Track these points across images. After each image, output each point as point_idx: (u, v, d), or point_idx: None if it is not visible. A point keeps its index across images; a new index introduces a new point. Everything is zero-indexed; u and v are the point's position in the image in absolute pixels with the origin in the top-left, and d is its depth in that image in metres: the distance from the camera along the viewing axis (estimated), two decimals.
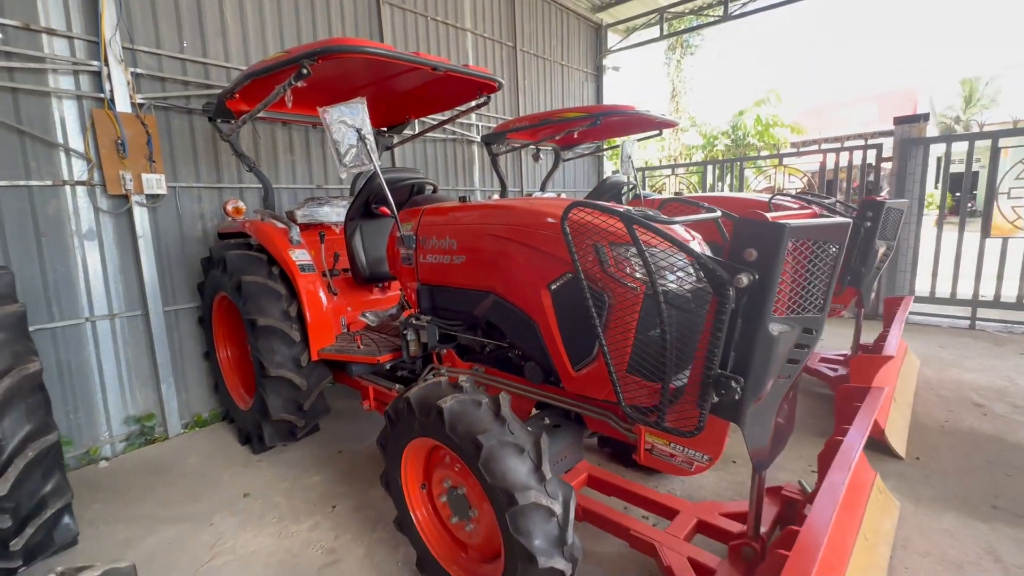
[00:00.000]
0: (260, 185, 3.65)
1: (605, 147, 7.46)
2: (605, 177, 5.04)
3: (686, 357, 1.59)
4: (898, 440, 3.03)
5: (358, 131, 2.37)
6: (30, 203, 3.14)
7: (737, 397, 1.44)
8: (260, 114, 3.16)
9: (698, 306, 1.64)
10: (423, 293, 2.59)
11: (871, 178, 6.32)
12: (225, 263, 3.14)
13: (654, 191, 8.64)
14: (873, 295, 3.95)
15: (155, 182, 3.52)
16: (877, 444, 2.94)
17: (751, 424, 1.52)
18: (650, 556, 1.99)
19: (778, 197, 3.89)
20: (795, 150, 9.65)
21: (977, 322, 5.62)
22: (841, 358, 4.02)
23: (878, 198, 3.45)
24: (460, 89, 3.35)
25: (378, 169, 2.44)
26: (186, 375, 3.90)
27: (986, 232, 5.42)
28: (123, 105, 3.39)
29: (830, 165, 6.57)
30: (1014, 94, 18.78)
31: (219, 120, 3.35)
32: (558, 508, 1.57)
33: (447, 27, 5.81)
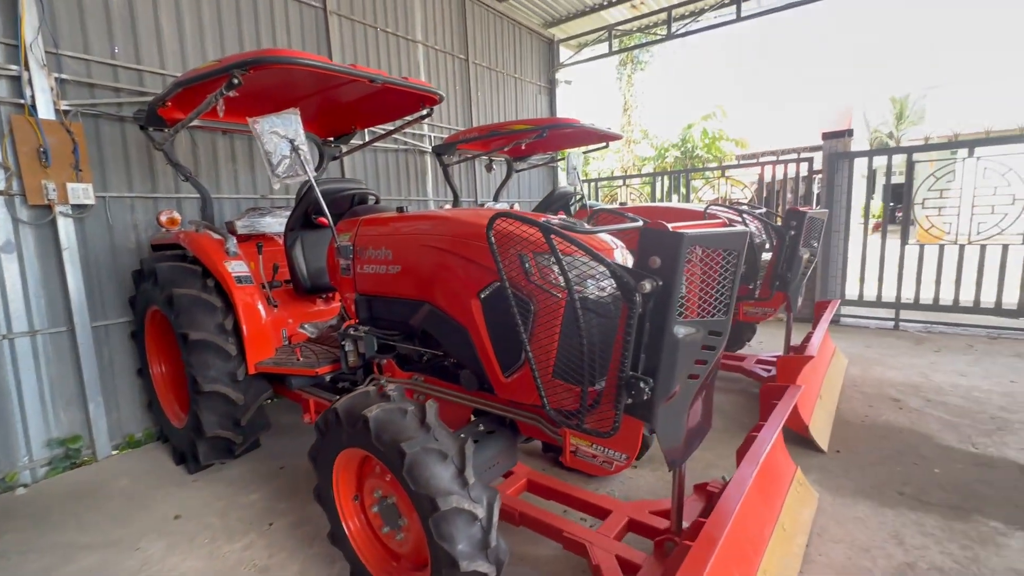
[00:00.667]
0: (199, 195, 3.56)
1: (559, 157, 7.64)
2: (553, 188, 5.15)
3: (606, 361, 1.66)
4: (821, 435, 3.22)
5: (291, 141, 2.36)
6: None
7: (647, 398, 1.52)
8: (198, 123, 3.10)
9: (615, 312, 1.72)
10: (361, 303, 2.59)
11: (806, 190, 6.71)
12: (156, 276, 3.04)
13: (607, 201, 8.89)
14: (801, 299, 4.19)
15: (82, 192, 3.37)
16: (803, 439, 3.12)
17: (663, 423, 1.60)
18: (582, 556, 2.05)
19: (712, 207, 4.10)
20: (736, 163, 10.14)
21: (900, 323, 6.04)
22: (774, 359, 4.23)
23: (801, 208, 3.68)
24: (403, 101, 3.38)
25: (313, 180, 2.43)
26: (117, 393, 3.72)
27: (905, 239, 5.86)
28: (46, 112, 3.24)
29: (768, 177, 6.96)
30: (938, 112, 20.37)
31: (151, 128, 3.25)
32: (481, 512, 1.60)
33: (398, 39, 5.83)
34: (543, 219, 1.73)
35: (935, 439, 3.19)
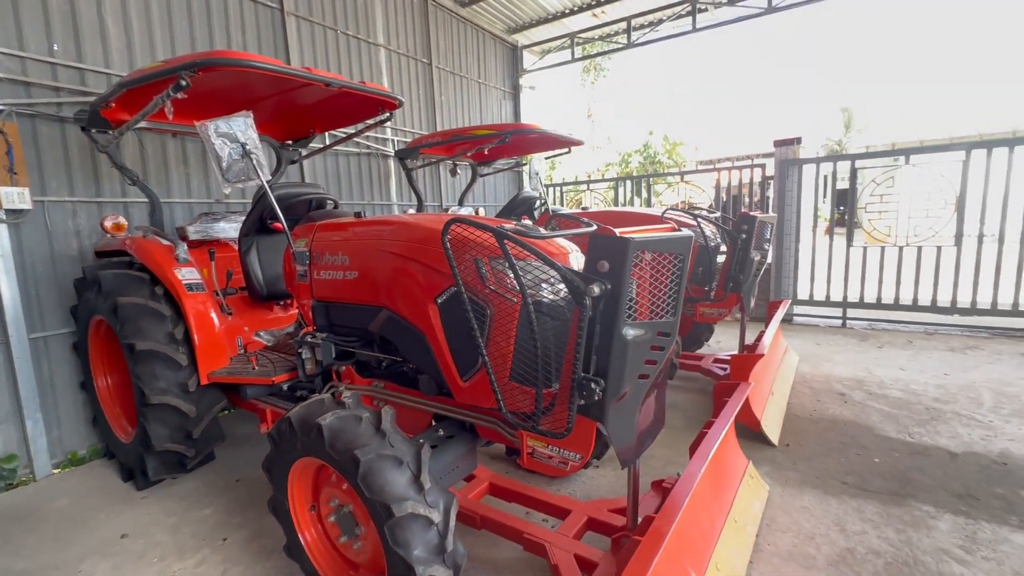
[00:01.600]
0: (147, 200, 3.42)
1: (524, 162, 7.71)
2: (517, 192, 5.20)
3: (560, 363, 1.69)
4: (773, 430, 3.36)
5: (243, 145, 2.31)
6: None
7: (598, 398, 1.56)
8: (146, 124, 2.99)
9: (568, 315, 1.76)
10: (318, 310, 2.54)
11: (760, 194, 7.00)
12: (100, 284, 2.90)
13: (571, 205, 9.02)
14: (754, 300, 4.37)
15: (16, 196, 3.19)
16: (756, 434, 3.25)
17: (614, 423, 1.64)
18: (542, 557, 2.07)
19: (669, 211, 4.23)
20: (695, 168, 10.50)
21: (848, 321, 6.36)
22: (730, 358, 4.39)
23: (752, 213, 3.84)
24: (362, 105, 3.35)
25: (265, 184, 2.38)
26: (58, 408, 3.52)
27: (850, 242, 6.19)
28: None
29: (724, 183, 7.23)
30: (878, 122, 21.60)
31: (94, 130, 3.11)
32: (437, 516, 1.60)
33: (359, 42, 5.77)
34: (498, 224, 1.76)
35: (876, 430, 3.39)
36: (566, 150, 5.68)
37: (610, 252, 1.51)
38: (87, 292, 3.14)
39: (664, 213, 4.17)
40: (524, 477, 2.96)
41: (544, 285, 1.79)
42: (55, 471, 3.45)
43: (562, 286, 1.76)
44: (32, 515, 2.89)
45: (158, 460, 2.92)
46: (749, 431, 3.26)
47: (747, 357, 3.27)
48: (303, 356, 2.55)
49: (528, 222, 4.85)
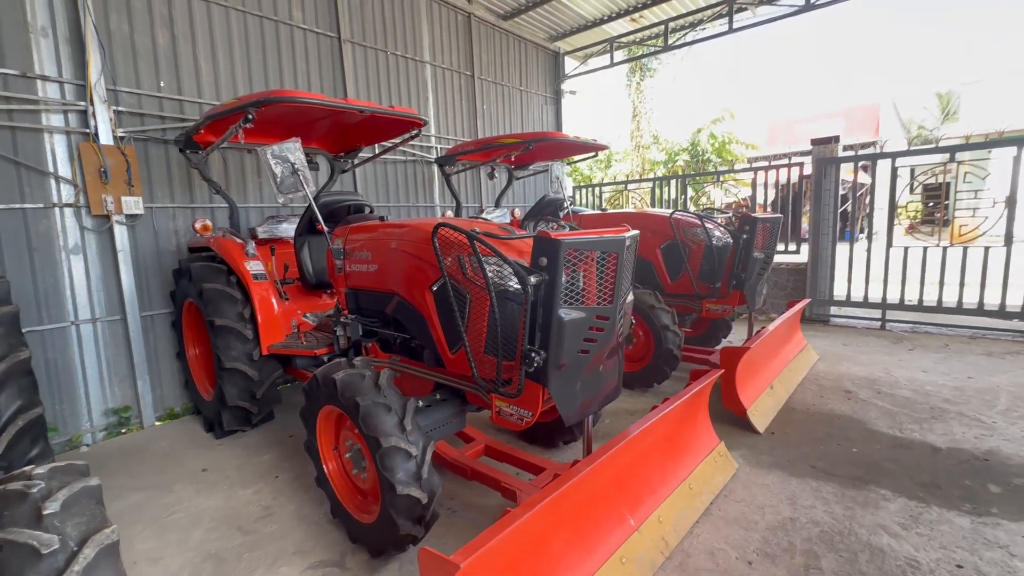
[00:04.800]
0: (227, 205, 4.21)
1: (568, 163, 8.09)
2: (544, 195, 5.62)
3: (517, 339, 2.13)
4: (762, 419, 3.57)
5: (292, 165, 2.93)
6: (24, 223, 3.68)
7: (539, 366, 1.99)
8: (227, 144, 3.72)
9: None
10: (350, 296, 3.13)
11: (797, 192, 6.93)
12: (191, 273, 3.68)
13: (610, 205, 9.27)
14: (764, 297, 4.51)
15: (133, 204, 4.06)
16: (743, 422, 3.48)
17: (556, 387, 2.06)
18: (513, 501, 2.52)
19: (678, 213, 4.47)
20: (731, 168, 10.32)
21: (887, 323, 6.19)
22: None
23: (754, 214, 4.03)
24: (395, 124, 3.93)
25: (310, 196, 3.00)
26: (160, 373, 4.41)
27: (889, 242, 6.02)
28: (106, 138, 3.95)
29: (763, 180, 7.20)
30: (972, 109, 19.53)
31: (188, 151, 3.91)
32: (416, 451, 2.10)
33: (407, 60, 6.43)
34: (471, 228, 2.22)
35: (867, 425, 3.50)
36: (593, 154, 6.01)
37: (547, 251, 1.93)
38: (182, 280, 3.95)
39: (673, 215, 4.43)
40: (522, 445, 3.40)
41: (511, 277, 2.23)
42: (157, 423, 4.33)
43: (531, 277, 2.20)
44: (141, 452, 3.73)
45: (231, 414, 3.67)
46: (738, 419, 3.50)
47: (735, 349, 3.50)
48: (337, 334, 3.15)
49: (552, 223, 5.27)
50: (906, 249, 5.91)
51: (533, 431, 3.47)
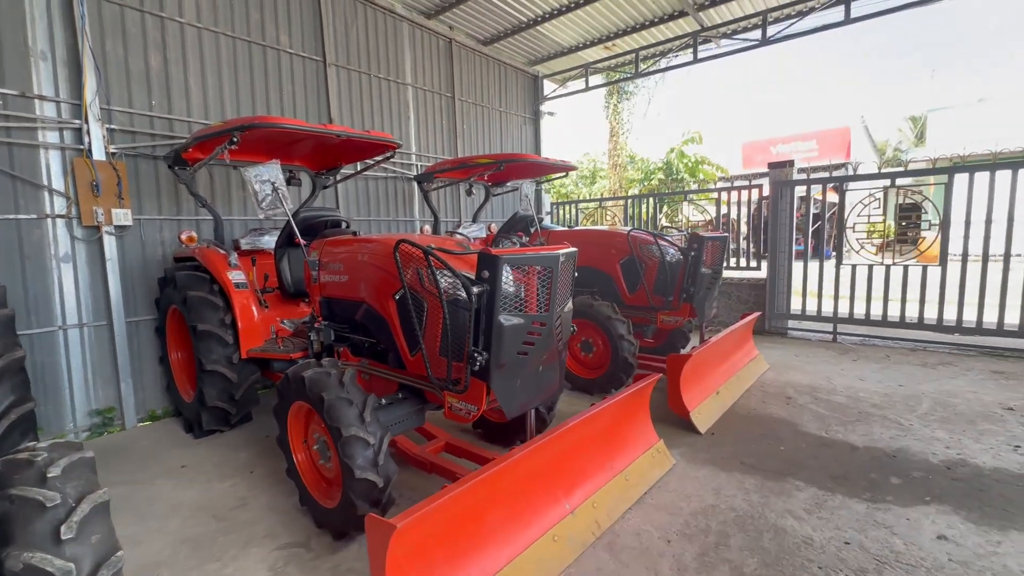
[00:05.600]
0: (212, 218, 4.48)
1: (540, 182, 8.47)
2: (516, 212, 5.96)
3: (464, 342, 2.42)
4: (704, 421, 3.88)
5: (272, 184, 3.23)
6: (18, 232, 3.91)
7: (481, 366, 2.28)
8: (214, 161, 4.01)
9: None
10: (324, 304, 3.41)
11: (757, 213, 7.37)
12: (176, 281, 3.93)
13: (587, 221, 9.66)
14: (715, 311, 4.87)
15: (123, 216, 4.31)
16: (686, 424, 3.79)
17: (497, 384, 2.35)
18: None
19: (634, 231, 4.83)
20: (696, 188, 10.82)
21: (839, 336, 6.60)
22: None
23: (701, 233, 4.40)
24: (371, 146, 4.25)
25: (289, 212, 3.29)
26: (143, 376, 4.62)
27: (840, 260, 6.45)
28: (99, 154, 4.21)
29: (735, 199, 7.64)
30: (939, 134, 20.46)
31: (176, 167, 4.18)
32: (373, 440, 2.37)
33: (389, 83, 6.79)
34: (427, 244, 2.52)
35: (799, 427, 3.83)
36: (563, 174, 6.38)
37: (488, 265, 2.25)
38: (167, 288, 4.19)
39: (630, 232, 4.79)
40: (484, 445, 3.67)
41: (460, 287, 2.53)
42: (139, 424, 4.53)
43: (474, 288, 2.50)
44: (124, 450, 3.93)
45: (210, 414, 3.89)
46: (682, 421, 3.82)
47: (679, 356, 3.82)
48: (312, 339, 3.42)
49: (521, 238, 5.59)
50: (854, 267, 6.35)
51: (491, 432, 3.76)
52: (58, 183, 4.08)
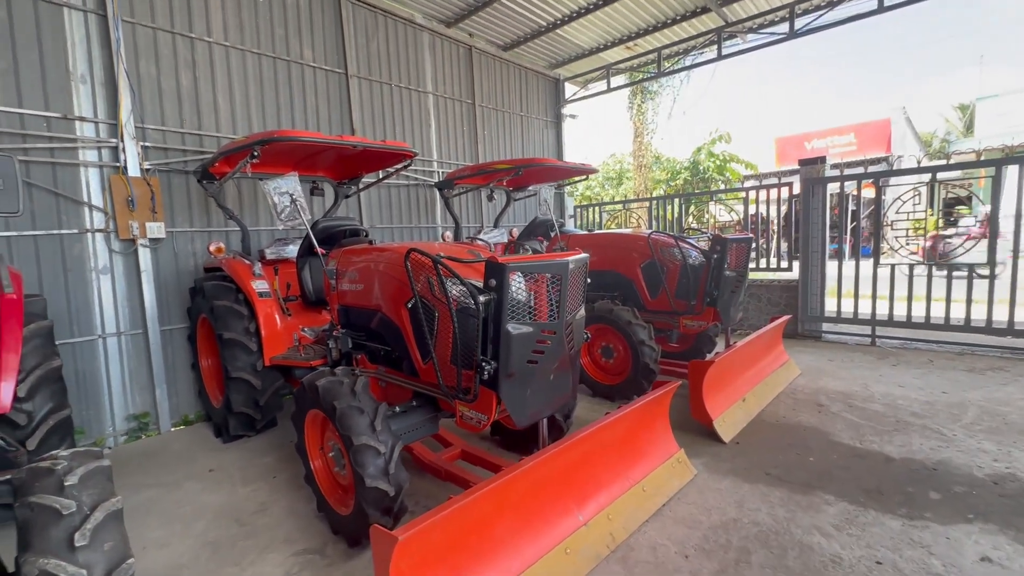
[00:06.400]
0: (239, 229, 4.63)
1: (563, 185, 8.42)
2: (535, 216, 5.93)
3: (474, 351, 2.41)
4: (729, 430, 3.75)
5: (291, 195, 3.31)
6: (60, 247, 4.14)
7: (490, 376, 2.26)
8: (240, 174, 4.15)
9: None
10: (341, 312, 3.47)
11: (788, 212, 7.10)
12: (204, 291, 4.07)
13: (611, 224, 9.54)
14: (740, 314, 4.71)
15: (156, 229, 4.51)
16: (709, 432, 3.67)
17: (506, 394, 2.33)
18: None
19: (655, 234, 4.73)
20: (724, 188, 10.50)
21: (877, 339, 6.27)
22: None
23: (724, 235, 4.26)
24: (389, 155, 4.31)
25: (307, 223, 3.36)
26: (177, 383, 4.81)
27: (876, 260, 6.14)
28: (134, 171, 4.42)
29: (764, 198, 7.39)
30: (988, 122, 19.30)
31: (205, 181, 4.34)
32: (384, 449, 2.39)
33: (410, 91, 6.88)
34: (436, 253, 2.52)
35: (830, 436, 3.65)
36: (583, 177, 6.32)
37: (495, 273, 2.23)
38: (197, 297, 4.35)
39: (650, 235, 4.69)
40: (501, 453, 3.65)
41: (469, 295, 2.52)
42: (173, 428, 4.71)
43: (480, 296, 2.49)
44: (157, 454, 4.10)
45: (236, 420, 4.01)
46: (704, 429, 3.70)
47: (702, 362, 3.71)
48: (330, 346, 3.48)
49: (542, 243, 5.56)
50: (893, 266, 6.03)
51: (509, 439, 3.74)
52: (97, 199, 4.30)
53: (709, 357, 3.91)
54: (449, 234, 6.82)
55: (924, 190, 5.95)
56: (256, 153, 3.45)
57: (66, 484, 1.54)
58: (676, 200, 8.82)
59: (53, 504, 1.47)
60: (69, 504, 1.49)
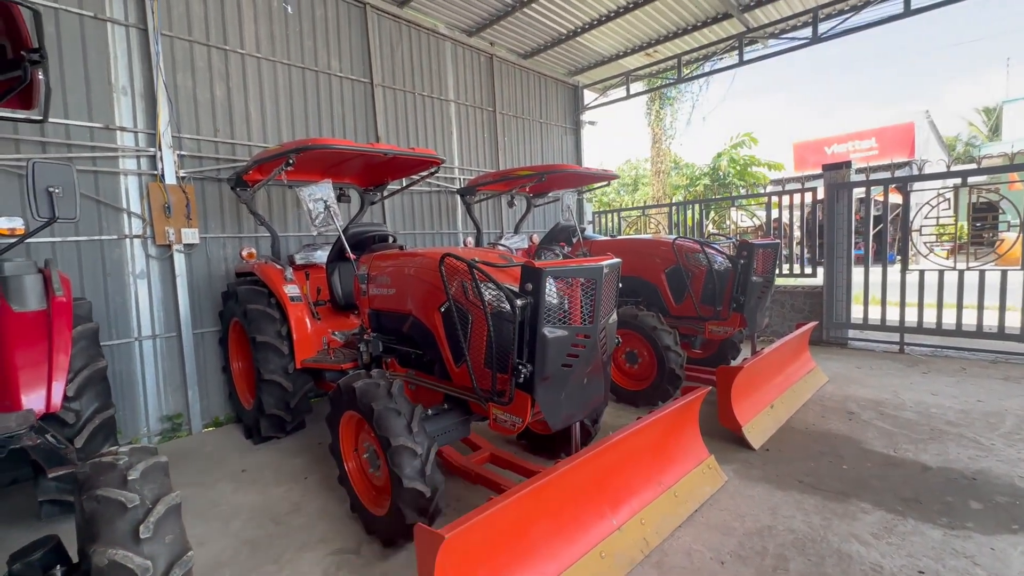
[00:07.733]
0: (270, 235, 4.74)
1: (582, 192, 8.45)
2: (557, 222, 5.96)
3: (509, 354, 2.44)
4: (758, 437, 3.72)
5: (324, 202, 3.39)
6: (101, 252, 4.28)
7: (526, 379, 2.29)
8: (272, 182, 4.27)
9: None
10: (372, 316, 3.53)
11: (811, 216, 7.03)
12: (237, 295, 4.18)
13: (630, 230, 9.52)
14: (767, 320, 4.67)
15: (191, 235, 4.64)
16: (738, 439, 3.64)
17: (542, 397, 2.35)
18: None
19: (679, 240, 4.72)
20: (745, 194, 10.40)
21: (906, 346, 6.15)
22: None
23: (751, 240, 4.24)
24: (416, 162, 4.39)
25: (339, 229, 3.44)
26: (208, 385, 4.92)
27: (905, 266, 6.04)
28: (170, 179, 4.56)
29: (786, 203, 7.32)
30: (1016, 125, 18.87)
31: (238, 188, 4.46)
32: (421, 451, 2.42)
33: (432, 100, 6.99)
34: (471, 258, 2.57)
35: (863, 444, 3.60)
36: (604, 183, 6.34)
37: (532, 278, 2.27)
38: (229, 301, 4.46)
39: (675, 240, 4.69)
40: (529, 457, 3.66)
41: (504, 300, 2.56)
42: (205, 429, 4.82)
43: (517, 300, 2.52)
44: (189, 455, 4.19)
45: (268, 422, 4.09)
46: (733, 436, 3.67)
47: (730, 369, 3.68)
48: (361, 350, 3.54)
49: (564, 248, 5.58)
50: (922, 272, 5.92)
51: (536, 443, 3.75)
52: (135, 206, 4.45)
53: (736, 363, 3.89)
54: (471, 240, 6.88)
55: (952, 195, 5.84)
56: (291, 161, 3.55)
57: (129, 478, 1.61)
58: (696, 205, 8.79)
59: (119, 497, 1.54)
60: (133, 497, 1.55)
